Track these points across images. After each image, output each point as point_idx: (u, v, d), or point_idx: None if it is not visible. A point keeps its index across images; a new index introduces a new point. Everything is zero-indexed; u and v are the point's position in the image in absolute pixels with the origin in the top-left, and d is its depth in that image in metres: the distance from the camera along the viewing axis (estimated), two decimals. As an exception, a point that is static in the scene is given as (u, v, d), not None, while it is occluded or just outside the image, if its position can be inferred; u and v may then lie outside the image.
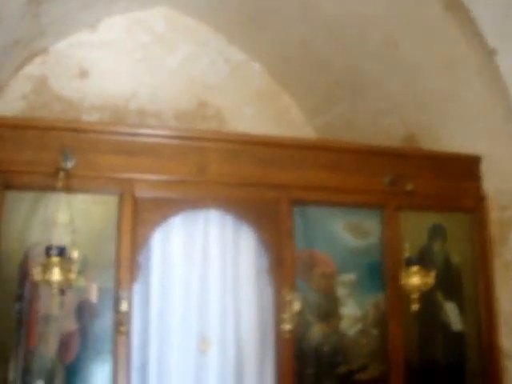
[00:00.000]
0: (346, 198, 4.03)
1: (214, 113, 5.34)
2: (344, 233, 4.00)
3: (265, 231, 3.82)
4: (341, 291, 3.92)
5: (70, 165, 3.50)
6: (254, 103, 5.44)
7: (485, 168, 4.51)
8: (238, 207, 3.80)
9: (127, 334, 3.38)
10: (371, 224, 4.07)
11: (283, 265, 3.78)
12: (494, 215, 4.41)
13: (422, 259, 3.88)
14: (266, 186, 3.87)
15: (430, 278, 3.74)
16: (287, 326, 3.65)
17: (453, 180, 4.42)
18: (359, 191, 4.07)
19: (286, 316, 3.68)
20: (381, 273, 4.02)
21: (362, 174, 4.13)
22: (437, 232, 4.31)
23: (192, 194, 3.77)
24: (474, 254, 4.39)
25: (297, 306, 3.63)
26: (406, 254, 3.79)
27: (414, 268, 3.70)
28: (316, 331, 3.81)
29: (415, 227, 4.15)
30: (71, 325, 3.36)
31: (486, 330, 4.28)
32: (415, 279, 3.70)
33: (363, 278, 3.98)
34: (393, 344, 3.96)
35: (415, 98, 4.63)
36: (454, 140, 4.54)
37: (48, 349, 3.30)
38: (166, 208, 3.70)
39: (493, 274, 4.35)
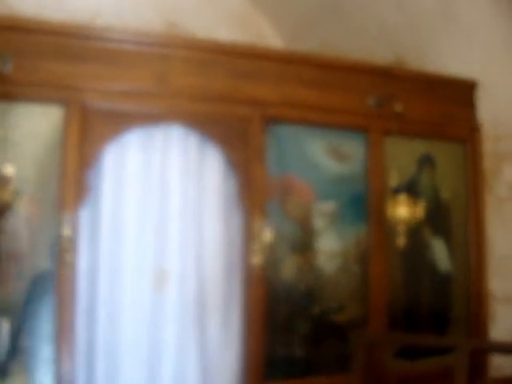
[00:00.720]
0: (328, 119, 3.56)
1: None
2: (324, 157, 3.54)
3: (234, 151, 3.34)
4: (318, 222, 3.47)
5: (5, 68, 2.89)
6: (228, 27, 4.87)
7: (480, 95, 4.08)
8: (203, 124, 3.31)
9: (72, 267, 2.86)
10: (355, 148, 3.63)
11: (254, 189, 3.32)
12: (488, 147, 4.01)
13: (411, 190, 3.40)
14: (238, 101, 3.40)
15: (419, 210, 3.32)
16: (257, 260, 3.19)
17: (445, 106, 4.00)
18: (342, 111, 3.61)
19: (255, 247, 3.20)
20: (364, 203, 3.60)
21: (347, 92, 3.67)
22: (426, 162, 3.89)
23: (150, 106, 3.26)
24: (465, 188, 4.00)
25: (268, 235, 3.16)
26: (394, 183, 3.31)
27: (402, 197, 3.25)
28: (289, 266, 3.36)
29: (403, 155, 3.73)
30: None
31: (476, 271, 3.94)
32: (403, 210, 3.28)
33: (344, 209, 3.54)
34: (375, 284, 3.56)
35: (405, 18, 4.13)
36: (448, 63, 4.12)
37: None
38: (119, 122, 3.18)
39: (484, 211, 3.96)
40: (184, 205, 3.24)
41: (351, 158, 3.64)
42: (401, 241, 3.31)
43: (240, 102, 3.38)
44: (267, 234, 3.19)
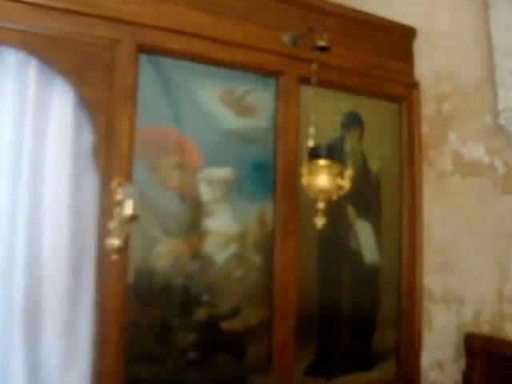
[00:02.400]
0: (226, 56, 2.66)
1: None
2: (220, 107, 2.65)
3: (91, 88, 2.42)
4: (208, 194, 2.57)
5: None
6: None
7: (420, 45, 3.29)
8: (47, 48, 2.35)
9: None
10: (261, 98, 2.77)
11: (116, 143, 2.42)
12: (428, 108, 3.22)
13: (332, 156, 2.53)
14: (97, 18, 2.40)
15: (346, 180, 2.44)
16: (114, 242, 2.19)
17: (377, 55, 3.22)
18: (246, 48, 2.72)
19: (113, 225, 2.21)
20: (271, 170, 2.69)
21: (254, 24, 2.82)
22: (352, 122, 3.05)
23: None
24: (399, 159, 3.18)
25: (129, 208, 2.18)
26: (311, 143, 2.43)
27: (322, 162, 2.37)
28: (164, 253, 2.44)
29: (324, 111, 2.84)
30: None
31: (409, 263, 3.16)
32: (323, 179, 2.39)
33: (244, 177, 2.67)
34: (282, 278, 2.71)
35: None
36: (385, 5, 3.27)
37: None
38: None
39: (422, 187, 3.18)
40: (16, 159, 2.23)
41: (256, 111, 2.77)
42: (319, 221, 2.43)
43: (100, 20, 2.42)
44: (129, 205, 2.20)
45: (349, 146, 3.05)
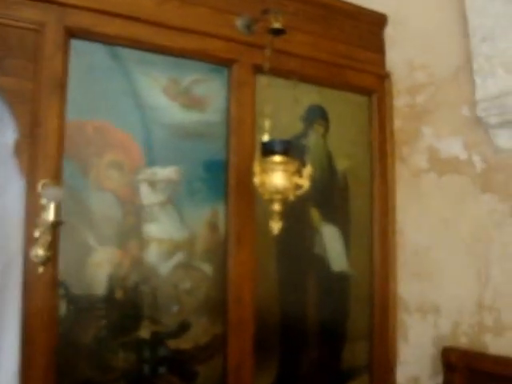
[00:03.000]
0: (170, 42, 2.40)
1: None
2: (163, 99, 2.38)
3: (12, 78, 2.13)
4: (150, 197, 2.29)
5: None
6: None
7: (391, 32, 3.05)
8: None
9: None
10: (211, 89, 2.52)
11: (42, 139, 2.12)
12: (400, 100, 2.97)
13: (292, 153, 2.26)
14: None
15: (304, 178, 2.18)
16: (40, 253, 1.92)
17: (344, 43, 2.98)
18: (194, 33, 2.45)
19: (39, 233, 1.94)
20: (223, 169, 2.41)
21: (203, 5, 2.57)
22: (316, 117, 2.78)
23: None
24: (370, 156, 2.91)
25: (51, 213, 1.91)
26: (265, 137, 2.17)
27: (277, 158, 2.10)
28: (100, 263, 2.15)
29: (283, 104, 2.56)
30: None
31: (381, 271, 2.86)
32: (278, 178, 2.12)
33: (192, 177, 2.41)
34: (236, 289, 2.41)
35: None
36: None
37: None
38: None
39: (395, 187, 2.91)
40: None
41: (205, 103, 2.51)
42: (275, 225, 2.16)
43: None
44: (52, 212, 1.92)
45: (312, 142, 2.79)
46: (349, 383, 2.86)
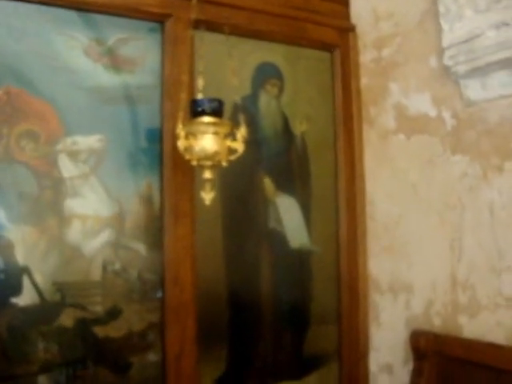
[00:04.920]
0: None
1: None
2: (84, 60, 2.19)
3: None
4: (70, 169, 2.12)
5: None
6: None
7: None
8: None
9: None
10: (142, 48, 2.37)
11: None
12: (366, 56, 2.75)
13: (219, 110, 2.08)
14: None
15: (238, 142, 2.00)
16: None
17: (301, -7, 2.69)
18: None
19: None
20: (157, 136, 2.24)
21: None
22: (268, 76, 2.58)
23: None
24: (332, 117, 2.71)
25: None
26: (199, 97, 1.99)
27: (206, 119, 1.92)
28: (12, 244, 2.02)
29: (228, 64, 2.37)
30: None
31: (348, 246, 2.65)
32: (208, 141, 1.95)
33: (120, 146, 2.24)
34: (173, 270, 2.24)
35: None
36: None
37: None
38: None
39: (362, 151, 2.70)
40: None
41: (134, 64, 2.36)
42: (207, 195, 1.99)
43: None
44: None
45: (262, 104, 2.59)
46: (315, 372, 2.67)
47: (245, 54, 2.57)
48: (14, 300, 2.07)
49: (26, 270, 2.10)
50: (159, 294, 2.29)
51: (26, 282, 2.09)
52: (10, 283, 2.08)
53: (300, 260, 2.66)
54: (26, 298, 2.10)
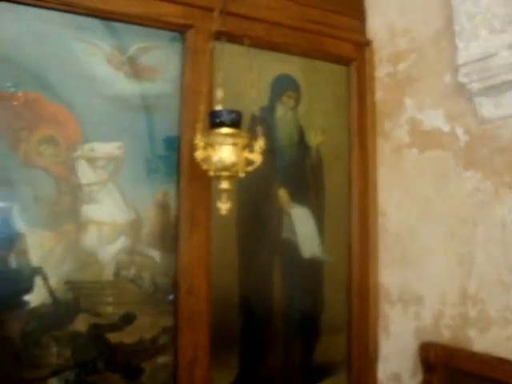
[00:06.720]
0: (112, 5, 2.10)
1: None
2: (105, 68, 2.11)
3: None
4: (88, 175, 2.03)
5: None
6: None
7: None
8: None
9: None
10: (162, 57, 2.29)
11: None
12: (382, 70, 2.66)
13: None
14: None
15: (256, 153, 1.91)
16: None
17: (319, 8, 2.67)
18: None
19: None
20: (175, 145, 2.16)
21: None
22: (285, 88, 2.50)
23: None
24: (347, 131, 2.61)
25: None
26: (217, 107, 1.90)
27: (225, 130, 1.83)
28: (29, 248, 1.90)
29: (247, 76, 2.28)
30: None
31: (360, 257, 2.56)
32: (226, 152, 1.86)
33: (138, 154, 2.13)
34: (188, 277, 2.16)
35: None
36: None
37: None
38: None
39: (375, 164, 2.60)
40: None
41: (155, 73, 2.27)
42: (223, 205, 1.90)
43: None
44: None
45: (279, 115, 2.50)
46: (324, 381, 2.57)
47: (263, 65, 2.47)
48: (28, 303, 1.98)
49: (41, 274, 2.01)
50: (171, 297, 2.19)
51: (41, 285, 2.00)
52: (25, 286, 1.98)
53: (312, 270, 2.57)
54: (40, 301, 2.02)
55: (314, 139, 2.60)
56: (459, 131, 2.34)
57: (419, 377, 2.40)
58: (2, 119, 1.99)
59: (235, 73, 2.31)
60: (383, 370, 2.61)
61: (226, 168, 1.97)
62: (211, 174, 1.98)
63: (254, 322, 2.40)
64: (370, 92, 2.73)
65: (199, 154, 1.97)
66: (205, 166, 1.98)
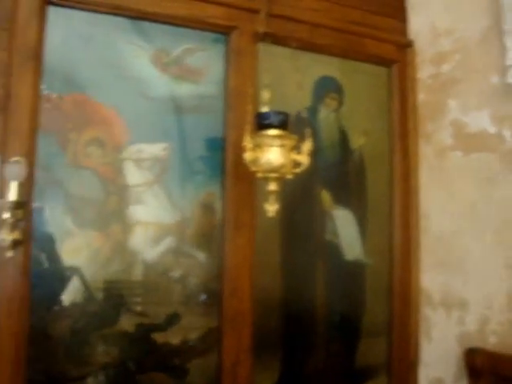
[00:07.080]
0: (158, 7, 2.11)
1: None
2: (150, 69, 2.09)
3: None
4: (135, 176, 2.02)
5: None
6: None
7: None
8: None
9: None
10: (207, 59, 2.26)
11: (14, 113, 1.92)
12: (424, 71, 2.61)
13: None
14: None
15: (303, 155, 1.88)
16: (5, 236, 1.71)
17: (360, 9, 2.65)
18: (187, -2, 2.13)
19: (5, 215, 1.73)
20: (220, 146, 2.14)
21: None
22: (328, 90, 2.46)
23: None
24: (389, 133, 2.57)
25: (13, 192, 1.70)
26: (264, 109, 1.88)
27: (273, 132, 1.81)
28: (78, 248, 1.92)
29: (290, 76, 2.26)
30: None
31: (402, 259, 2.51)
32: (274, 153, 1.83)
33: (184, 155, 2.13)
34: (233, 279, 2.15)
35: None
36: None
37: None
38: None
39: (418, 167, 2.56)
40: None
41: (200, 74, 2.24)
42: (271, 207, 1.88)
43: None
44: (14, 191, 1.71)
45: (322, 117, 2.47)
46: None
47: (306, 67, 2.44)
48: (76, 302, 1.97)
49: (88, 273, 2.01)
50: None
51: (88, 284, 2.00)
52: (73, 285, 1.98)
53: (354, 272, 2.53)
54: (87, 301, 2.01)
55: (356, 141, 2.57)
56: (506, 133, 2.28)
57: (462, 382, 2.34)
58: (52, 120, 1.99)
59: (279, 74, 2.28)
60: (425, 375, 2.56)
61: (273, 169, 1.94)
62: (259, 175, 1.95)
63: (295, 324, 2.37)
64: (411, 94, 2.68)
65: (248, 156, 1.95)
66: (253, 168, 1.96)
